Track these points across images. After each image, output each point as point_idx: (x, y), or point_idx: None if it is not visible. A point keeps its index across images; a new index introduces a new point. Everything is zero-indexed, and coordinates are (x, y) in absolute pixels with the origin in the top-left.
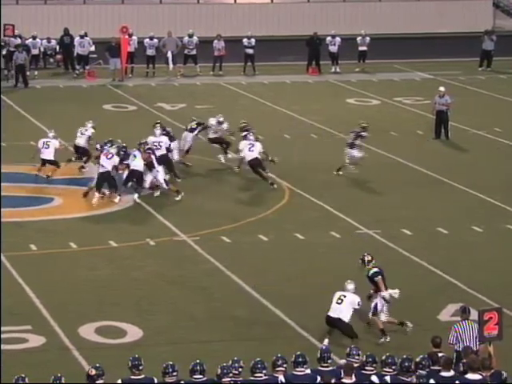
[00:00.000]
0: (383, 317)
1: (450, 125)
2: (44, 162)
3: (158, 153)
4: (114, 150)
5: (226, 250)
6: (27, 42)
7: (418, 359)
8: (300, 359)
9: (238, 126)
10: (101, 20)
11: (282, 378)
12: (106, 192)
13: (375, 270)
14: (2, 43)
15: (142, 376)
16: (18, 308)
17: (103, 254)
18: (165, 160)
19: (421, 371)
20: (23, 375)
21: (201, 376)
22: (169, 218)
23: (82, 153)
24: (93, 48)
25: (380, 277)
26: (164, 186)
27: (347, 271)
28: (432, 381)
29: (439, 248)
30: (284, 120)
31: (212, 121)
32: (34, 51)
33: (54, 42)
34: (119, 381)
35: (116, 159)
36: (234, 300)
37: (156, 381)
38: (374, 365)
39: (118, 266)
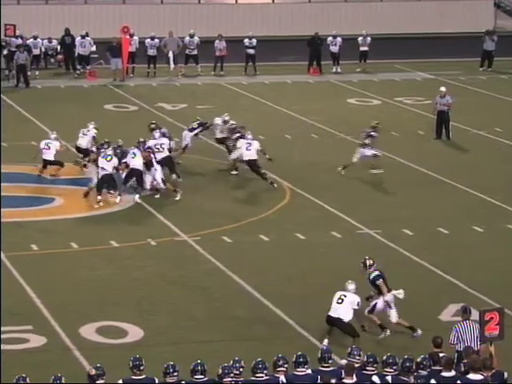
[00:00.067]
0: (394, 318)
1: (450, 125)
2: (45, 163)
3: (161, 155)
4: (110, 152)
5: (226, 250)
6: (28, 42)
7: (419, 359)
8: (301, 359)
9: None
10: (102, 20)
11: (282, 378)
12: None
13: (376, 273)
14: (3, 43)
15: (143, 376)
16: (19, 308)
17: (104, 254)
18: (167, 162)
19: (422, 371)
20: (24, 375)
21: (202, 376)
22: (169, 218)
23: (84, 153)
24: (94, 48)
25: (381, 280)
26: (161, 185)
27: (348, 271)
28: (433, 381)
29: (440, 248)
30: (285, 120)
31: (218, 120)
32: (35, 51)
33: (55, 42)
34: (120, 381)
35: (115, 160)
36: (235, 300)
37: (157, 381)
38: (375, 365)
39: (118, 266)
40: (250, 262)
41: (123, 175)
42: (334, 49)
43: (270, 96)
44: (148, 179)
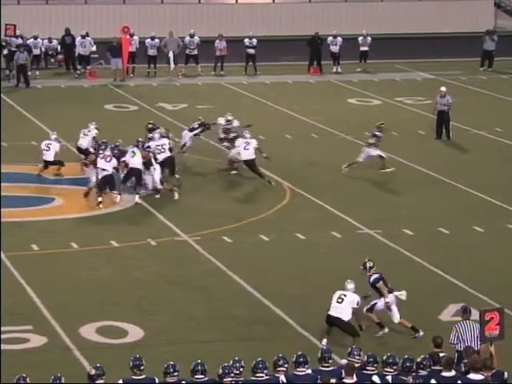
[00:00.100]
0: (396, 319)
1: (451, 125)
2: (46, 163)
3: (163, 156)
4: (108, 152)
5: (227, 250)
6: (28, 41)
7: (419, 359)
8: (301, 359)
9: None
10: (102, 20)
11: (283, 378)
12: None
13: (375, 276)
14: (3, 43)
15: (143, 376)
16: (19, 308)
17: (104, 254)
18: (170, 162)
19: (422, 371)
20: (24, 375)
21: (202, 376)
22: (170, 218)
23: (84, 154)
24: (94, 48)
25: (381, 282)
26: (159, 185)
27: (348, 271)
28: (433, 381)
29: (440, 248)
30: (285, 120)
31: (221, 120)
32: (36, 51)
33: (55, 42)
34: (120, 381)
35: (114, 161)
36: (235, 300)
37: (157, 381)
38: (376, 365)
39: (119, 266)
40: (250, 262)
41: (122, 174)
42: (335, 49)
43: (271, 96)
44: (149, 179)
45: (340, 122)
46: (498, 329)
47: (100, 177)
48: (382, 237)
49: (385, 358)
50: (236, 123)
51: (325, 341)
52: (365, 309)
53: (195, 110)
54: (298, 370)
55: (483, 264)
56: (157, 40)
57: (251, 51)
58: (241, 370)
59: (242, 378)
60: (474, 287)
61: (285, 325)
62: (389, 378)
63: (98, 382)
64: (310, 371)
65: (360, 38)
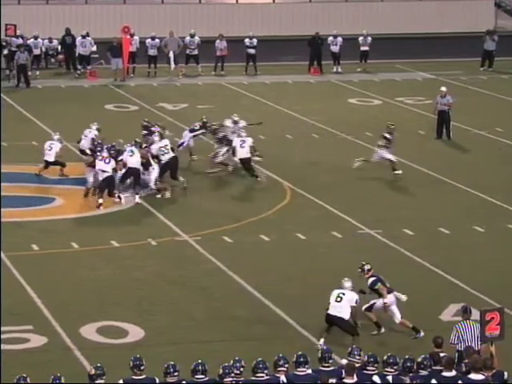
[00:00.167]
0: (398, 318)
1: (451, 125)
2: (47, 163)
3: (167, 156)
4: (106, 154)
5: (227, 250)
6: (29, 41)
7: (419, 359)
8: (301, 359)
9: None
10: (102, 20)
11: (283, 377)
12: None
13: (373, 278)
14: (4, 43)
15: (144, 376)
16: (20, 308)
17: (105, 254)
18: (174, 163)
19: (422, 371)
20: (24, 375)
21: (202, 376)
22: (170, 218)
23: (85, 155)
24: (94, 48)
25: (379, 284)
26: (152, 185)
27: (348, 271)
28: (434, 381)
29: (441, 248)
30: (286, 120)
31: (227, 122)
32: (36, 51)
33: (55, 42)
34: (121, 381)
35: (113, 161)
36: (235, 300)
37: (157, 381)
38: (376, 365)
39: (119, 266)
40: (250, 262)
41: (119, 174)
42: (335, 49)
43: (271, 96)
44: (149, 179)
45: (340, 122)
46: (499, 329)
47: (100, 178)
48: (383, 237)
49: (385, 357)
50: (242, 123)
51: (322, 340)
52: (363, 308)
53: (195, 110)
54: (299, 370)
55: (483, 264)
56: (157, 40)
57: (251, 51)
58: (241, 369)
59: (242, 378)
60: (475, 287)
61: (285, 325)
62: (389, 378)
63: (98, 381)
64: (310, 371)
65: (360, 38)
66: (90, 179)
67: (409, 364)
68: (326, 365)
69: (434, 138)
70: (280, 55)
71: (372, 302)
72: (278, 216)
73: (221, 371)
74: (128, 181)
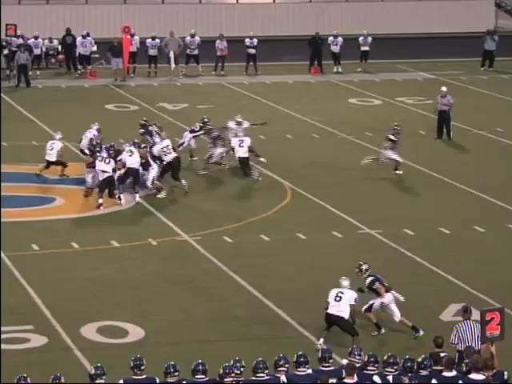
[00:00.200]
0: (397, 317)
1: (451, 125)
2: (48, 163)
3: (170, 156)
4: (105, 154)
5: (227, 250)
6: (29, 41)
7: (419, 359)
8: (302, 359)
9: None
10: (103, 20)
11: (283, 377)
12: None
13: (371, 278)
14: (4, 43)
15: (144, 376)
16: (20, 308)
17: (105, 254)
18: (176, 163)
19: (422, 371)
20: (25, 375)
21: (203, 376)
22: (171, 218)
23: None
24: (95, 48)
25: (377, 283)
26: (149, 184)
27: (349, 271)
28: (434, 381)
29: (441, 248)
30: (286, 120)
31: (231, 124)
32: (36, 51)
33: (56, 42)
34: (121, 381)
35: (113, 161)
36: (236, 300)
37: (158, 381)
38: (376, 365)
39: (119, 266)
40: (250, 262)
41: (117, 174)
42: (335, 49)
43: (271, 96)
44: (151, 178)
45: (341, 122)
46: (499, 329)
47: (101, 179)
48: (383, 237)
49: (385, 357)
50: (246, 124)
51: (322, 340)
52: (363, 309)
53: (196, 110)
54: (299, 370)
55: (484, 264)
56: (157, 40)
57: (252, 51)
58: (241, 369)
59: (242, 378)
60: (475, 287)
61: (285, 325)
62: (390, 378)
63: (98, 381)
64: (310, 371)
65: (361, 38)
66: (89, 180)
67: (409, 364)
68: (326, 365)
69: (434, 137)
70: (280, 55)
71: (371, 302)
72: (279, 216)
73: (221, 371)
74: (128, 181)
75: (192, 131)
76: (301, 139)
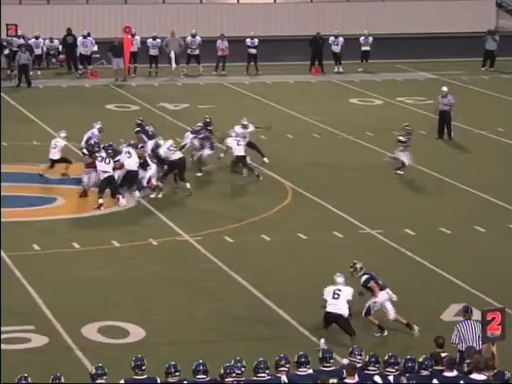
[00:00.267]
0: (392, 315)
1: (452, 125)
2: (52, 162)
3: (176, 156)
4: (104, 154)
5: (228, 250)
6: (30, 41)
7: (420, 359)
8: (303, 359)
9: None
10: (104, 20)
11: (284, 378)
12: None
13: (366, 276)
14: (5, 43)
15: (145, 376)
16: (21, 308)
17: (106, 254)
18: (182, 163)
19: (424, 371)
20: (26, 375)
21: (204, 376)
22: (171, 218)
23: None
24: (95, 48)
25: (372, 282)
26: (144, 182)
27: (349, 271)
28: (435, 381)
29: (442, 248)
30: (287, 120)
31: (237, 129)
32: (37, 51)
33: (56, 42)
34: (122, 381)
35: (112, 161)
36: (237, 300)
37: (159, 381)
38: (377, 365)
39: (120, 266)
40: (251, 262)
41: (116, 174)
42: (336, 48)
43: (272, 96)
44: (147, 177)
45: (341, 121)
46: (500, 329)
47: (101, 179)
48: (384, 237)
49: (386, 358)
50: (251, 128)
51: (322, 340)
52: (363, 314)
53: (197, 110)
54: (300, 370)
55: (485, 264)
56: (158, 40)
57: (253, 51)
58: (242, 370)
59: (243, 378)
60: (476, 287)
61: (286, 325)
62: (391, 378)
63: (99, 381)
64: (311, 371)
65: (361, 38)
66: (85, 179)
67: (410, 364)
68: (327, 365)
69: (435, 137)
70: (281, 55)
71: (367, 304)
72: (280, 216)
73: (222, 371)
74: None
75: (193, 131)
76: (302, 139)
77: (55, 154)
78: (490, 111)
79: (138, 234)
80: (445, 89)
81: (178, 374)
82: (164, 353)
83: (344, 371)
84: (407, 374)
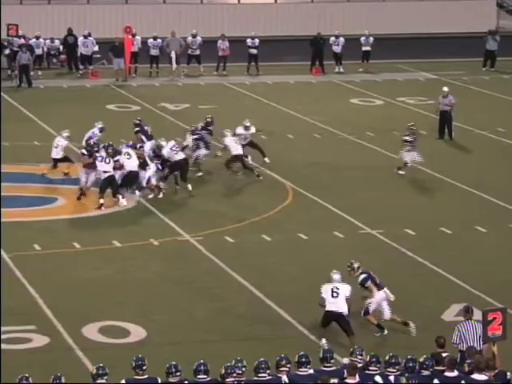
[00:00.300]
0: (387, 315)
1: (453, 125)
2: (54, 161)
3: (178, 156)
4: (104, 153)
5: (229, 250)
6: (31, 41)
7: (421, 359)
8: (303, 359)
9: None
10: (104, 20)
11: (285, 378)
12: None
13: (363, 276)
14: (5, 43)
15: (146, 376)
16: (22, 308)
17: (106, 254)
18: (185, 165)
19: (425, 371)
20: (27, 375)
21: (205, 376)
22: (172, 218)
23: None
24: (96, 48)
25: (370, 282)
26: (143, 183)
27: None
28: (436, 381)
29: (443, 248)
30: (287, 120)
31: (239, 130)
32: (38, 51)
33: (57, 42)
34: (123, 381)
35: (112, 161)
36: (238, 300)
37: (160, 381)
38: (378, 365)
39: (121, 266)
40: (252, 262)
41: (118, 175)
42: (337, 49)
43: (273, 96)
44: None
45: (342, 122)
46: (501, 329)
47: (102, 178)
48: (384, 237)
49: (387, 358)
50: (253, 129)
51: (324, 340)
52: (362, 314)
53: (197, 110)
54: (301, 370)
55: (486, 264)
56: (159, 40)
57: (253, 51)
58: (243, 370)
59: (244, 378)
60: (477, 287)
61: (287, 325)
62: (391, 378)
63: (100, 381)
64: (312, 371)
65: (362, 38)
66: (83, 179)
67: (411, 364)
68: (328, 365)
69: (435, 138)
70: (282, 55)
71: (365, 305)
72: (280, 216)
73: (223, 371)
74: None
75: (193, 132)
76: (302, 139)
77: (57, 154)
78: (491, 111)
79: (139, 234)
80: (445, 89)
81: (178, 373)
82: (165, 353)
83: (345, 371)
84: (406, 374)
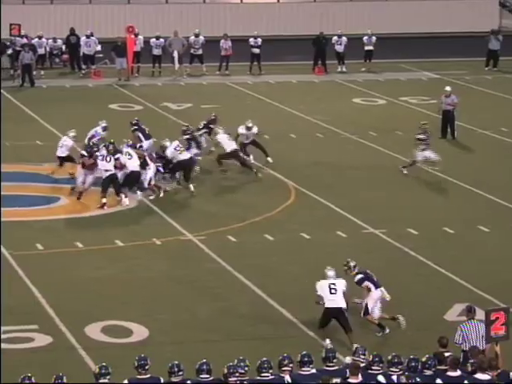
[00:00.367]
0: (376, 314)
1: (456, 124)
2: (60, 160)
3: (183, 156)
4: (105, 152)
5: (231, 250)
6: (33, 41)
7: (424, 359)
8: (306, 359)
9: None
10: (107, 20)
11: (287, 377)
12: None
13: (360, 276)
14: (8, 43)
15: (148, 376)
16: (24, 307)
17: (109, 253)
18: (190, 164)
19: (427, 371)
20: (29, 374)
21: (207, 376)
22: (175, 218)
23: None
24: (99, 48)
25: (366, 282)
26: (145, 184)
27: None
28: (439, 380)
29: (445, 247)
30: (290, 119)
31: (241, 130)
32: (40, 51)
33: (60, 42)
34: (125, 380)
35: (112, 159)
36: (240, 299)
37: (162, 380)
38: (381, 364)
39: (123, 266)
40: (254, 262)
41: (120, 174)
42: (339, 48)
43: (275, 95)
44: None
45: (345, 121)
46: (504, 329)
47: (104, 177)
48: (387, 236)
49: (390, 357)
50: (255, 130)
51: (328, 340)
52: (361, 315)
53: (200, 110)
54: (303, 369)
55: (488, 263)
56: (162, 40)
57: (256, 51)
58: (246, 369)
59: (247, 378)
60: (480, 287)
61: (289, 324)
62: (394, 377)
63: (102, 381)
64: (314, 371)
65: (365, 38)
66: (80, 179)
67: (414, 364)
68: (331, 364)
69: (438, 137)
70: (284, 55)
71: (364, 304)
72: (283, 216)
73: (225, 371)
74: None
75: (185, 132)
76: (305, 139)
77: (63, 153)
78: (494, 111)
79: (142, 234)
80: (448, 88)
81: (181, 373)
82: (167, 352)
83: (347, 371)
84: (406, 373)
